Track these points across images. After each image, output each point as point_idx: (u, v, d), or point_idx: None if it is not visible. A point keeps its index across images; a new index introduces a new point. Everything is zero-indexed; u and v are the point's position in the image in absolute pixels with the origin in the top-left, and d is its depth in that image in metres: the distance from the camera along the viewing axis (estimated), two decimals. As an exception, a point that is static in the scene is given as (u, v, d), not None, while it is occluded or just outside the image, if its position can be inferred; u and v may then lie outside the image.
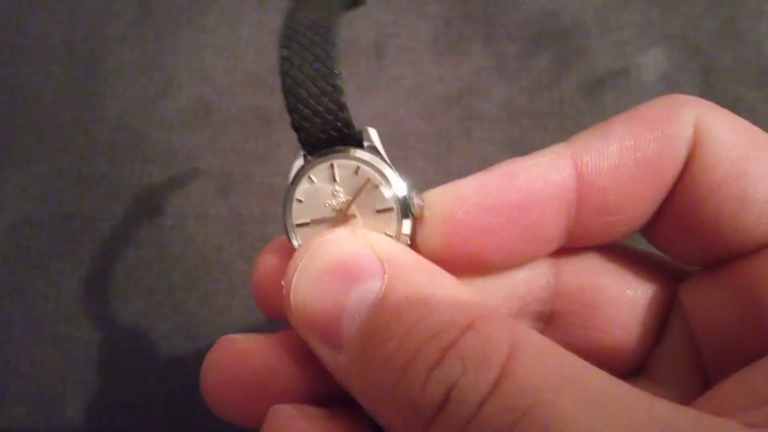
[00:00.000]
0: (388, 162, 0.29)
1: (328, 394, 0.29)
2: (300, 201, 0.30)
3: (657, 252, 0.32)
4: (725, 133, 0.28)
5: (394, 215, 0.29)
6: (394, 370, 0.23)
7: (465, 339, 0.23)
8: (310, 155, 0.30)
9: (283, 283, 0.27)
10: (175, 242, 0.52)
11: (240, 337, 0.29)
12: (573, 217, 0.29)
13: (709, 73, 0.57)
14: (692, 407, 0.25)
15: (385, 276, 0.25)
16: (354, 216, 0.29)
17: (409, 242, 0.29)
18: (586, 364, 0.23)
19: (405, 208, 0.29)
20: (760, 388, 0.24)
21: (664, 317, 0.32)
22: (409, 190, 0.29)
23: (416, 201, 0.29)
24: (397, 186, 0.29)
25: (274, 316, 0.31)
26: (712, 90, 0.56)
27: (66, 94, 0.56)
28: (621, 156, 0.28)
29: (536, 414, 0.21)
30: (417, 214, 0.29)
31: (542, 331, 0.32)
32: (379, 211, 0.29)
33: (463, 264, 0.29)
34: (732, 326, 0.28)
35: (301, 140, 0.29)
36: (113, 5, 0.58)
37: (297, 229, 0.30)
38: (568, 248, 0.31)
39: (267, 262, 0.31)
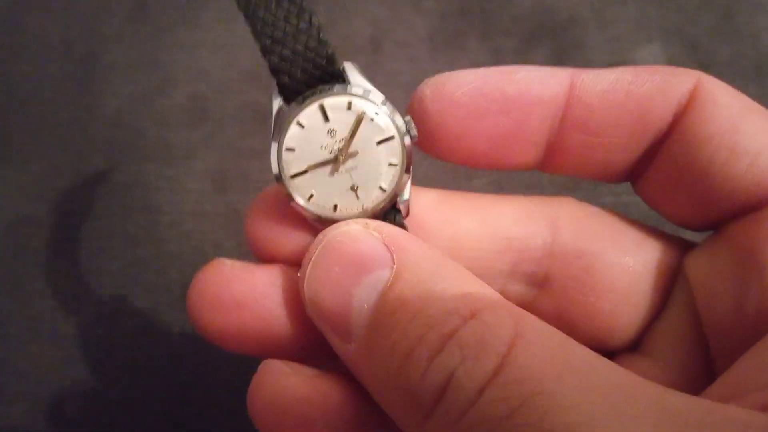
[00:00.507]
0: (378, 92, 0.29)
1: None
2: (291, 150, 0.29)
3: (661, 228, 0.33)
4: (724, 95, 0.29)
5: (396, 143, 0.29)
6: (396, 358, 0.24)
7: (466, 328, 0.23)
8: (289, 101, 0.29)
9: (298, 274, 0.28)
10: (172, 239, 0.52)
11: (229, 262, 0.30)
12: (556, 129, 0.30)
13: (706, 68, 0.56)
14: (705, 393, 0.25)
15: (394, 266, 0.26)
16: (356, 153, 0.29)
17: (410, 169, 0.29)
18: (593, 353, 0.23)
19: (405, 134, 0.29)
20: None
21: (666, 291, 0.32)
22: (403, 115, 0.29)
23: (413, 124, 0.29)
24: (392, 113, 0.29)
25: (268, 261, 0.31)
26: (709, 84, 0.56)
27: (63, 92, 0.56)
28: (616, 83, 0.29)
29: (536, 403, 0.21)
30: (415, 137, 0.29)
31: (536, 297, 0.32)
32: (380, 143, 0.29)
33: (451, 147, 0.30)
34: (737, 295, 0.28)
35: (281, 84, 0.28)
36: (109, 3, 0.58)
37: (293, 180, 0.29)
38: (566, 213, 0.32)
39: (258, 217, 0.31)
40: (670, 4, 0.58)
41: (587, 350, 0.23)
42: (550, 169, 0.32)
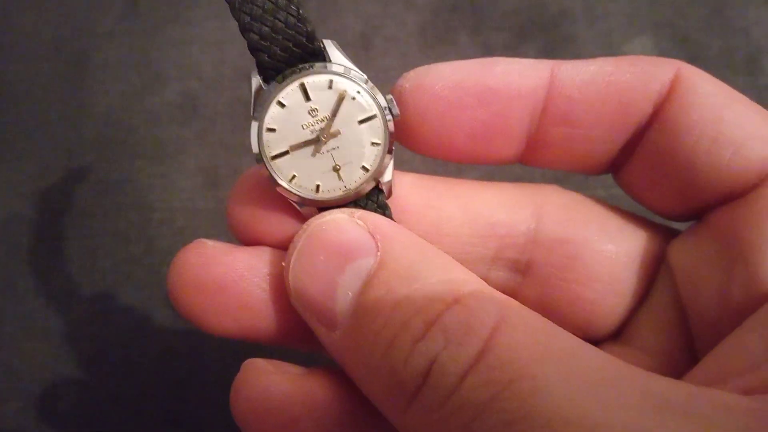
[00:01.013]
0: (358, 70, 0.29)
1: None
2: (272, 130, 0.28)
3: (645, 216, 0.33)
4: (705, 84, 0.29)
5: (378, 121, 0.29)
6: (381, 344, 0.24)
7: (450, 313, 0.23)
8: (269, 80, 0.28)
9: (283, 264, 0.28)
10: (164, 236, 0.52)
11: (210, 242, 0.30)
12: (536, 121, 0.30)
13: (696, 61, 0.56)
14: (687, 377, 0.25)
15: (378, 254, 0.26)
16: (338, 132, 0.28)
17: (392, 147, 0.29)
18: (578, 339, 0.23)
19: (387, 113, 0.29)
20: (753, 348, 0.24)
21: (649, 279, 0.32)
22: (384, 94, 0.29)
23: (395, 103, 0.29)
24: (374, 92, 0.29)
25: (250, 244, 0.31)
26: (700, 77, 0.56)
27: (54, 91, 0.56)
28: (596, 74, 0.29)
29: (518, 388, 0.21)
30: (398, 115, 0.29)
31: (520, 284, 0.32)
32: (361, 121, 0.28)
33: (431, 141, 0.30)
34: (721, 282, 0.28)
35: (261, 63, 0.28)
36: (101, 2, 0.58)
37: (274, 162, 0.28)
38: (551, 200, 0.32)
39: (239, 200, 0.31)
40: (661, -2, 0.58)
41: (570, 336, 0.23)
42: (532, 162, 0.32)
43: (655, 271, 0.32)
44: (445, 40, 0.58)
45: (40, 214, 0.52)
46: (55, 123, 0.55)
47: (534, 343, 0.22)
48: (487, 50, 0.57)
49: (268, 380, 0.27)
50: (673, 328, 0.30)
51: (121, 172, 0.53)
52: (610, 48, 0.57)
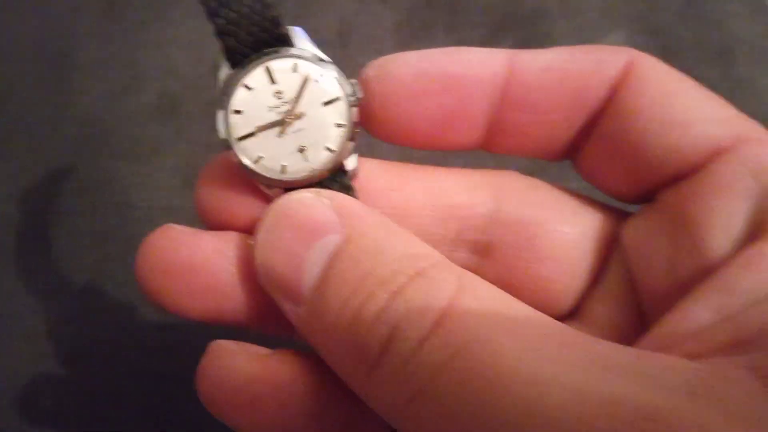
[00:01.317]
0: (322, 54, 0.29)
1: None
2: (239, 112, 0.29)
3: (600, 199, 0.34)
4: (656, 70, 0.30)
5: (342, 104, 0.29)
6: (345, 315, 0.24)
7: (412, 284, 0.24)
8: (235, 65, 0.29)
9: (250, 242, 0.29)
10: (144, 235, 0.52)
11: (177, 227, 0.30)
12: (496, 108, 0.31)
13: (670, 54, 0.57)
14: (635, 345, 0.26)
15: (345, 231, 0.26)
16: (303, 114, 0.29)
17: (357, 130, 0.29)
18: (530, 308, 0.24)
19: (351, 95, 0.29)
20: (697, 315, 0.25)
21: (603, 258, 0.33)
22: (348, 78, 0.29)
23: (359, 86, 0.29)
24: (338, 75, 0.29)
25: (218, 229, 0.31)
26: (674, 70, 0.57)
27: (34, 92, 0.56)
28: (553, 62, 0.30)
29: (473, 349, 0.22)
30: (362, 98, 0.29)
31: (479, 264, 0.33)
32: (326, 103, 0.29)
33: (396, 128, 0.31)
34: (670, 258, 0.29)
35: (228, 48, 0.29)
36: (80, 3, 0.59)
37: (240, 143, 0.29)
38: (510, 184, 0.33)
39: (207, 185, 0.31)
40: (635, -8, 0.59)
41: (524, 305, 0.24)
42: (494, 148, 0.32)
43: (609, 251, 0.32)
44: (421, 37, 0.58)
45: (20, 214, 0.53)
46: (35, 123, 0.55)
47: (489, 310, 0.23)
48: (463, 46, 0.57)
49: (232, 360, 0.28)
50: (625, 304, 0.31)
51: (101, 172, 0.54)
52: (585, 43, 0.57)
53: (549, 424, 0.20)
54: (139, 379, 0.50)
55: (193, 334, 0.52)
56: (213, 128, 0.54)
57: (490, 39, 0.58)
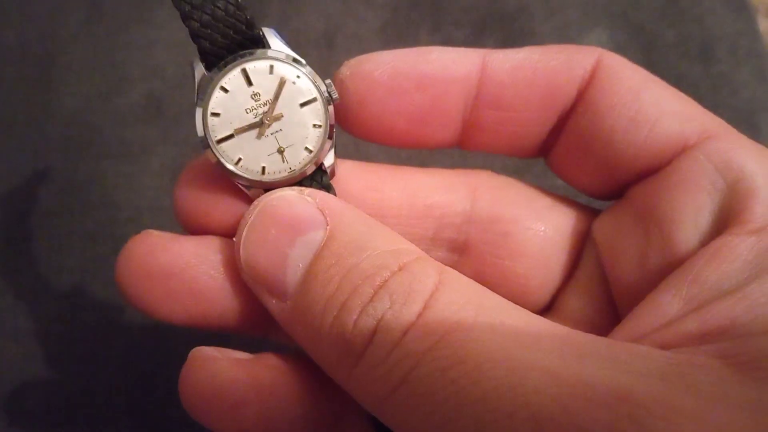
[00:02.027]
0: (297, 56, 0.30)
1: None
2: (217, 114, 0.29)
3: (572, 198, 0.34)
4: (624, 69, 0.30)
5: (318, 104, 0.29)
6: (331, 310, 0.25)
7: (395, 278, 0.25)
8: (210, 67, 0.29)
9: (233, 239, 0.29)
10: (130, 235, 0.51)
11: (156, 232, 0.31)
12: (470, 106, 0.31)
13: (651, 51, 0.58)
14: (608, 336, 0.27)
15: (328, 228, 0.27)
16: (281, 115, 0.29)
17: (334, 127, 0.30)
18: (507, 301, 0.25)
19: (326, 95, 0.30)
20: (666, 307, 0.26)
21: (576, 254, 0.33)
22: (324, 79, 0.30)
23: (334, 87, 0.30)
24: (313, 76, 0.29)
25: (198, 233, 0.31)
26: (655, 67, 0.56)
27: (19, 93, 0.56)
28: (524, 61, 0.31)
29: (453, 338, 0.23)
30: (337, 98, 0.30)
31: (457, 262, 0.34)
32: (303, 104, 0.29)
33: (372, 126, 0.32)
34: (640, 252, 0.30)
35: (202, 50, 0.29)
36: (65, 4, 0.59)
37: (219, 145, 0.29)
38: (484, 183, 0.33)
39: (186, 188, 0.31)
40: (616, -9, 0.60)
41: (500, 297, 0.25)
42: (468, 146, 0.33)
43: (581, 247, 0.33)
44: (406, 37, 0.59)
45: (6, 215, 0.53)
46: (20, 125, 0.55)
47: (468, 302, 0.24)
48: (448, 45, 0.58)
49: (214, 366, 0.28)
50: (597, 298, 0.32)
51: (88, 173, 0.54)
52: (567, 41, 0.58)
53: (527, 407, 0.21)
54: (127, 379, 0.50)
55: (181, 335, 0.52)
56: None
57: (474, 38, 0.58)
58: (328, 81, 0.30)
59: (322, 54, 0.58)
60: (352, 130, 0.32)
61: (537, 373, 0.21)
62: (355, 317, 0.24)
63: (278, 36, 0.30)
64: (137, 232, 0.52)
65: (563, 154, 0.33)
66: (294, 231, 0.27)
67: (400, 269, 0.25)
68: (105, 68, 0.57)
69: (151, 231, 0.31)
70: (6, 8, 0.59)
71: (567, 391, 0.20)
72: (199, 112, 0.29)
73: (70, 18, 0.58)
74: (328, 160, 0.31)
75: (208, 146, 0.29)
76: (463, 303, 0.24)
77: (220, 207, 0.31)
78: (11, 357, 0.50)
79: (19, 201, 0.53)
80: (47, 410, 0.49)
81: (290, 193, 0.29)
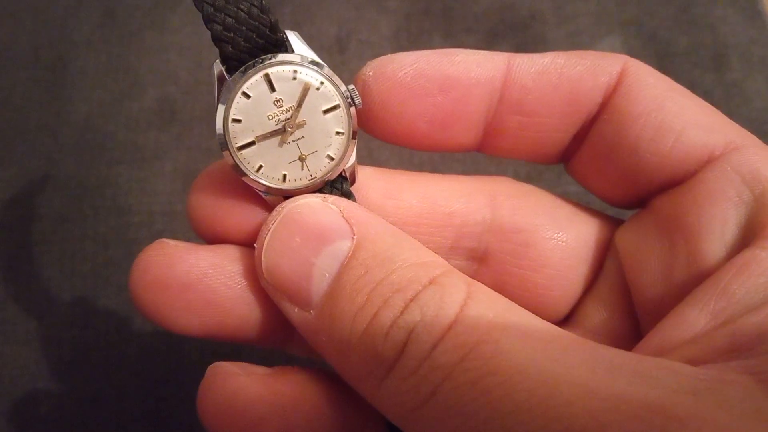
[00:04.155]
0: (321, 61, 0.29)
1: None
2: (238, 121, 0.28)
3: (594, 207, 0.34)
4: (649, 76, 0.30)
5: (342, 111, 0.29)
6: (361, 321, 0.25)
7: (426, 291, 0.25)
8: (231, 71, 0.28)
9: (255, 245, 0.29)
10: (143, 240, 0.53)
11: (172, 242, 0.30)
12: (493, 110, 0.31)
13: (664, 59, 0.58)
14: (633, 350, 0.27)
15: (354, 238, 0.27)
16: (303, 123, 0.29)
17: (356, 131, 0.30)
18: (532, 314, 0.25)
19: (349, 101, 0.29)
20: (694, 321, 0.26)
21: (597, 265, 0.33)
22: (346, 84, 0.29)
23: (357, 92, 0.29)
24: (337, 82, 0.29)
25: (211, 241, 0.31)
26: (668, 74, 0.57)
27: (33, 98, 0.56)
28: (549, 66, 0.31)
29: (483, 350, 0.23)
30: (360, 104, 0.29)
31: (476, 271, 0.34)
32: (326, 111, 0.29)
33: (394, 127, 0.31)
34: (665, 263, 0.29)
35: (224, 54, 0.28)
36: (78, 10, 0.59)
37: (240, 152, 0.28)
38: (504, 191, 0.33)
39: (201, 194, 0.31)
40: (629, -2, 0.60)
41: (527, 311, 0.25)
42: (489, 150, 0.33)
43: (602, 257, 0.33)
44: (418, 44, 0.59)
45: (19, 220, 0.53)
46: (34, 130, 0.55)
47: (496, 315, 0.24)
48: (460, 52, 0.58)
49: (234, 383, 0.28)
50: (619, 310, 0.32)
51: (100, 177, 0.54)
52: (579, 48, 0.57)
53: (560, 420, 0.21)
54: (139, 384, 0.50)
55: (193, 341, 0.52)
56: (212, 133, 0.55)
57: (487, 45, 0.58)
58: (351, 86, 0.29)
59: (334, 59, 0.58)
60: (373, 132, 0.32)
61: (568, 386, 0.21)
62: (387, 329, 0.24)
63: (301, 39, 0.30)
64: (150, 236, 0.53)
65: (585, 161, 0.32)
66: (320, 240, 0.27)
67: (430, 282, 0.25)
68: (118, 73, 0.57)
69: (166, 241, 0.30)
70: (19, 13, 0.59)
71: (599, 404, 0.20)
72: (220, 110, 0.28)
73: (83, 23, 0.59)
74: (350, 162, 0.30)
75: (227, 147, 0.29)
76: (491, 316, 0.24)
77: (235, 213, 0.30)
78: (24, 362, 0.50)
79: (32, 206, 0.53)
80: (59, 416, 0.49)
81: (314, 200, 0.28)
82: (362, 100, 0.30)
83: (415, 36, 0.59)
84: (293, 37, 0.29)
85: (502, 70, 0.31)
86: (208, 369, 0.29)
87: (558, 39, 0.58)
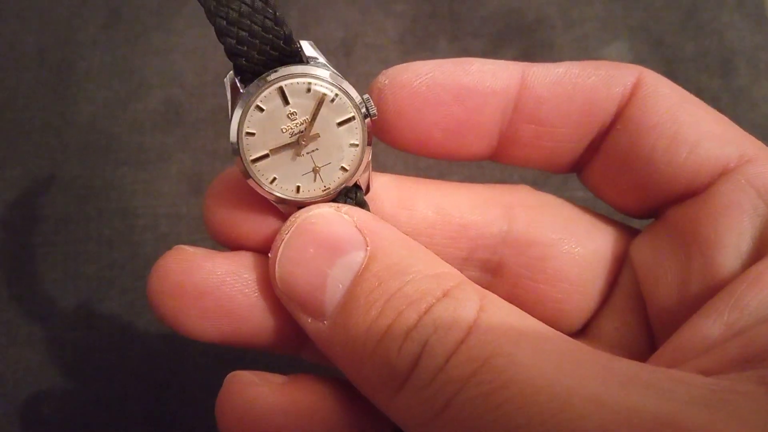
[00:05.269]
0: (336, 72, 0.29)
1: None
2: (252, 134, 0.28)
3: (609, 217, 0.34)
4: (663, 87, 0.30)
5: (356, 123, 0.29)
6: (374, 333, 0.25)
7: (439, 304, 0.25)
8: (245, 82, 0.28)
9: (269, 255, 0.29)
10: (147, 242, 0.52)
11: (191, 249, 0.30)
12: (508, 119, 0.31)
13: (671, 64, 0.58)
14: (647, 361, 0.27)
15: (368, 249, 0.27)
16: (317, 135, 0.29)
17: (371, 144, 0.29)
18: (546, 326, 0.25)
19: (364, 112, 0.29)
20: (708, 332, 0.26)
21: (613, 278, 0.33)
22: (361, 95, 0.29)
23: (372, 102, 0.29)
24: (352, 93, 0.29)
25: (228, 246, 0.31)
26: (675, 80, 0.56)
27: (38, 99, 0.56)
28: (563, 76, 0.31)
29: (496, 363, 0.23)
30: (375, 115, 0.29)
31: (490, 282, 0.33)
32: (340, 123, 0.29)
33: (408, 136, 0.31)
34: (680, 275, 0.29)
35: (239, 68, 0.28)
36: (83, 11, 0.59)
37: (254, 165, 0.28)
38: (521, 202, 0.33)
39: (217, 199, 0.31)
40: (636, 3, 0.59)
41: (541, 323, 0.25)
42: (503, 159, 0.33)
43: (618, 270, 0.33)
44: (424, 47, 0.58)
45: (23, 221, 0.53)
46: (38, 131, 0.55)
47: (509, 328, 0.24)
48: (466, 56, 0.57)
49: (253, 392, 0.28)
50: (632, 321, 0.32)
51: (105, 179, 0.54)
52: (586, 53, 0.58)
53: None
54: (142, 386, 0.50)
55: (197, 343, 0.51)
56: (217, 135, 0.55)
57: (493, 49, 0.58)
58: (366, 96, 0.29)
59: (340, 62, 0.58)
60: (387, 140, 0.32)
61: (580, 399, 0.21)
62: (401, 342, 0.24)
63: (316, 49, 0.29)
64: (154, 239, 0.53)
65: (599, 171, 0.32)
66: (333, 251, 0.27)
67: (444, 295, 0.25)
68: (123, 75, 0.57)
69: (184, 247, 0.30)
70: (25, 14, 0.59)
71: (612, 418, 0.20)
72: (234, 123, 0.28)
73: (88, 24, 0.59)
74: (364, 175, 0.30)
75: (239, 154, 0.29)
76: (503, 329, 0.24)
77: (250, 220, 0.30)
78: (27, 364, 0.50)
79: (36, 207, 0.53)
80: (63, 417, 0.49)
81: (328, 210, 0.28)
82: (377, 109, 0.30)
83: (421, 39, 0.59)
84: (307, 47, 0.29)
85: (517, 79, 0.31)
86: (225, 378, 0.29)
87: (565, 44, 0.58)
